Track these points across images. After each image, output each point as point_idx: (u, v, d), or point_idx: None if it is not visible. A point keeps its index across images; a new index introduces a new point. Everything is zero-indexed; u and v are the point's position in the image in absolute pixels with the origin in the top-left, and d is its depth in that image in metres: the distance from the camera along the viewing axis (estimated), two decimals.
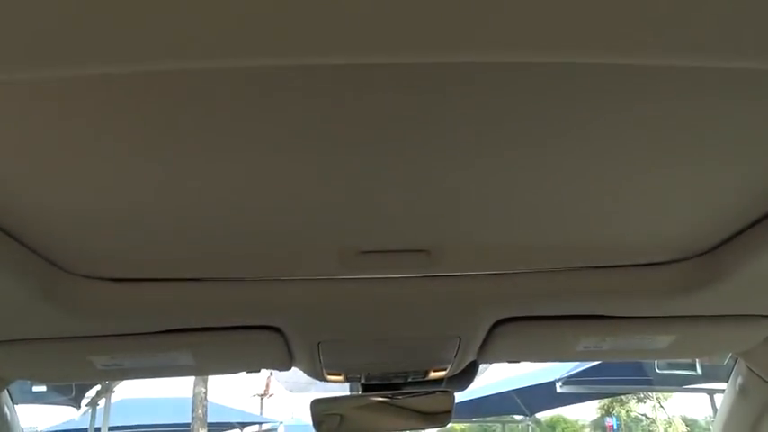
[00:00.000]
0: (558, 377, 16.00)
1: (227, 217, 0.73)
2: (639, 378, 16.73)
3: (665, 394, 30.62)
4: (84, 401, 14.55)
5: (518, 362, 1.26)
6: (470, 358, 1.13)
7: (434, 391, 1.27)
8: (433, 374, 1.19)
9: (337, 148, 0.64)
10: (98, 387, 11.96)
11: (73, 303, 0.84)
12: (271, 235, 0.78)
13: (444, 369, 1.17)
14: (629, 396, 32.73)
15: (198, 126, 0.60)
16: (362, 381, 1.25)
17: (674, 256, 0.86)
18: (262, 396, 36.91)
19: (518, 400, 22.14)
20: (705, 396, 15.35)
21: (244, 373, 1.19)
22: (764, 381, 1.28)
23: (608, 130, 0.64)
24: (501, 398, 22.42)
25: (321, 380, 1.20)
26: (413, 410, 1.32)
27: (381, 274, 0.85)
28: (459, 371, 1.21)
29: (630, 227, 0.81)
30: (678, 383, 13.22)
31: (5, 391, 1.27)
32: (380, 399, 1.30)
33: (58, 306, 0.84)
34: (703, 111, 0.62)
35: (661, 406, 32.06)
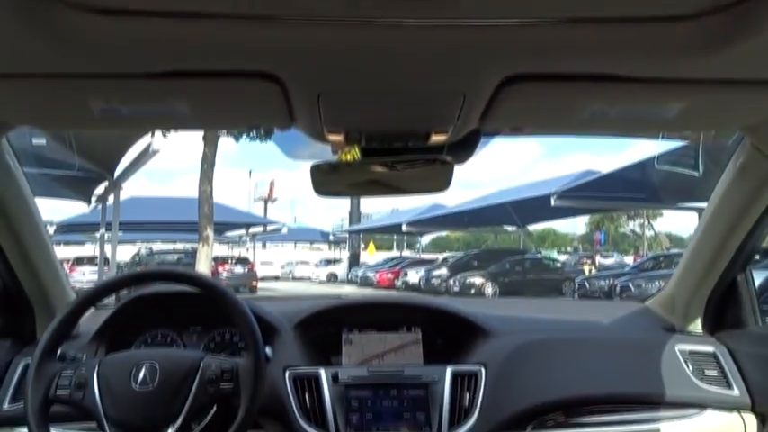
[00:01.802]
0: (553, 191, 16.50)
1: None
2: (633, 195, 17.27)
3: (655, 213, 31.87)
4: (94, 198, 15.08)
5: (522, 131, 1.24)
6: (474, 122, 1.10)
7: (435, 161, 1.28)
8: (434, 138, 1.17)
9: None
10: (105, 183, 12.33)
11: (59, 35, 0.80)
12: None
13: (446, 132, 1.15)
14: (620, 213, 34.08)
15: None
16: (363, 144, 1.24)
17: (695, 8, 0.79)
18: (266, 200, 38.44)
19: (512, 213, 23.08)
20: (694, 216, 15.94)
21: (244, 130, 1.17)
22: (767, 157, 1.28)
23: None
24: (496, 210, 23.33)
25: (322, 140, 1.19)
26: (412, 177, 1.34)
27: (386, 19, 0.79)
28: (461, 137, 1.20)
29: None
30: (675, 192, 13.58)
31: (5, 139, 1.28)
32: (380, 165, 1.31)
33: (44, 37, 0.80)
34: None
35: (649, 223, 33.50)
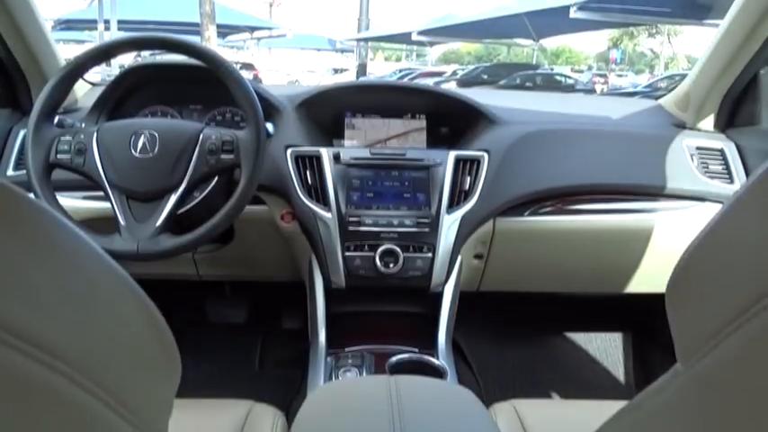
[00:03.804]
0: (573, 1, 15.58)
1: None
2: (658, 9, 16.32)
3: (677, 30, 30.39)
4: None
5: None
6: None
7: None
8: None
9: None
10: None
11: None
12: None
13: None
14: (640, 30, 32.52)
15: None
16: None
17: None
18: (271, 4, 36.65)
19: (528, 25, 22.01)
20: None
21: None
22: None
23: None
24: (511, 21, 22.23)
25: None
26: None
27: None
28: None
29: None
30: (704, 6, 12.82)
31: None
32: None
33: None
34: None
35: (669, 42, 32.11)
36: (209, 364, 1.82)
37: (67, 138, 1.18)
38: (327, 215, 1.32)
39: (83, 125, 1.27)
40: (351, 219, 1.33)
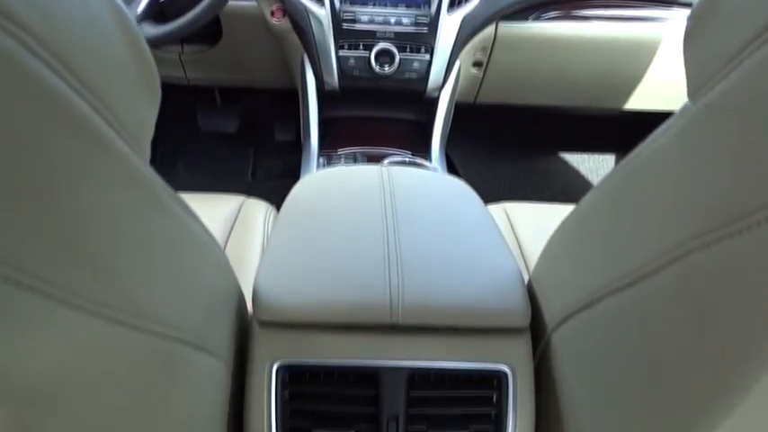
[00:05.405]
0: None
1: None
2: None
3: None
4: None
5: None
6: None
7: None
8: None
9: None
10: None
11: None
12: None
13: None
14: None
15: None
16: None
17: None
18: None
19: None
20: None
21: None
22: None
23: None
24: None
25: None
26: None
27: None
28: None
29: None
30: None
31: None
32: None
33: None
34: None
35: None
36: (203, 174, 1.83)
37: None
38: (320, 11, 1.24)
39: None
40: (345, 16, 1.25)
